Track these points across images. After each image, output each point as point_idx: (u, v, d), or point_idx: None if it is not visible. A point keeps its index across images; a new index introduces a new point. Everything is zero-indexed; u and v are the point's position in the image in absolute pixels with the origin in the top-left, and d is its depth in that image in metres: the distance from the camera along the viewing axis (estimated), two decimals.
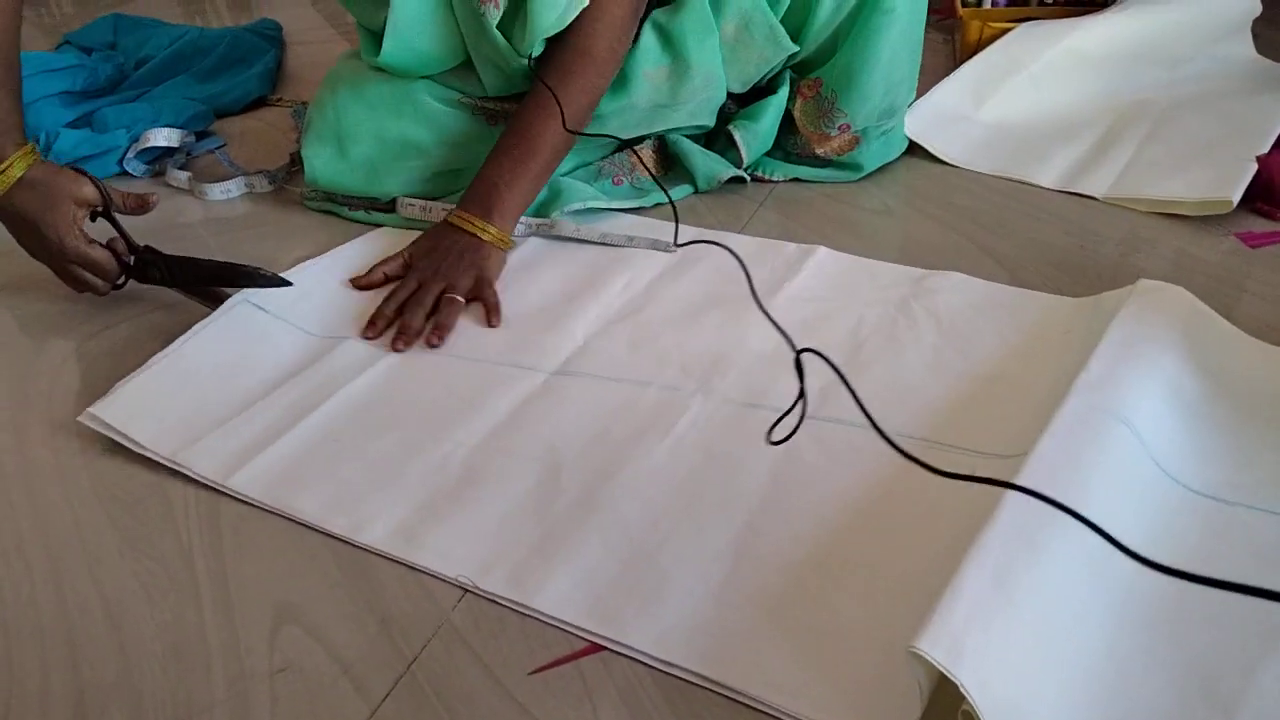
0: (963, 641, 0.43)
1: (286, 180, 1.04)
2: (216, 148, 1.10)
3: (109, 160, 1.05)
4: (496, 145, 0.86)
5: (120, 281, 0.79)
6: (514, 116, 0.87)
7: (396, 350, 0.75)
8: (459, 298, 0.79)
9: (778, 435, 0.50)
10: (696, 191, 0.99)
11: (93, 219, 0.78)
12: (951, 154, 1.04)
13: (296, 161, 1.04)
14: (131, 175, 1.06)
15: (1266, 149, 0.94)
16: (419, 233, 0.88)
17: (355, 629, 0.53)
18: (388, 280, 0.83)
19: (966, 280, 0.81)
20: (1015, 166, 1.02)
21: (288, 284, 0.79)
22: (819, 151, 1.00)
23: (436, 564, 0.57)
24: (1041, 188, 0.98)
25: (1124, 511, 0.53)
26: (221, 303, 0.79)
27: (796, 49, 0.95)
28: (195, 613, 0.55)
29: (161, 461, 0.65)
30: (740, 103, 1.02)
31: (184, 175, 1.03)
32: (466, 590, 0.55)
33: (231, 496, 0.62)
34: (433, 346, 0.75)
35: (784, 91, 0.98)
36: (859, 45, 0.92)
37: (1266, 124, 0.98)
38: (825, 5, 0.92)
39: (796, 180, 1.01)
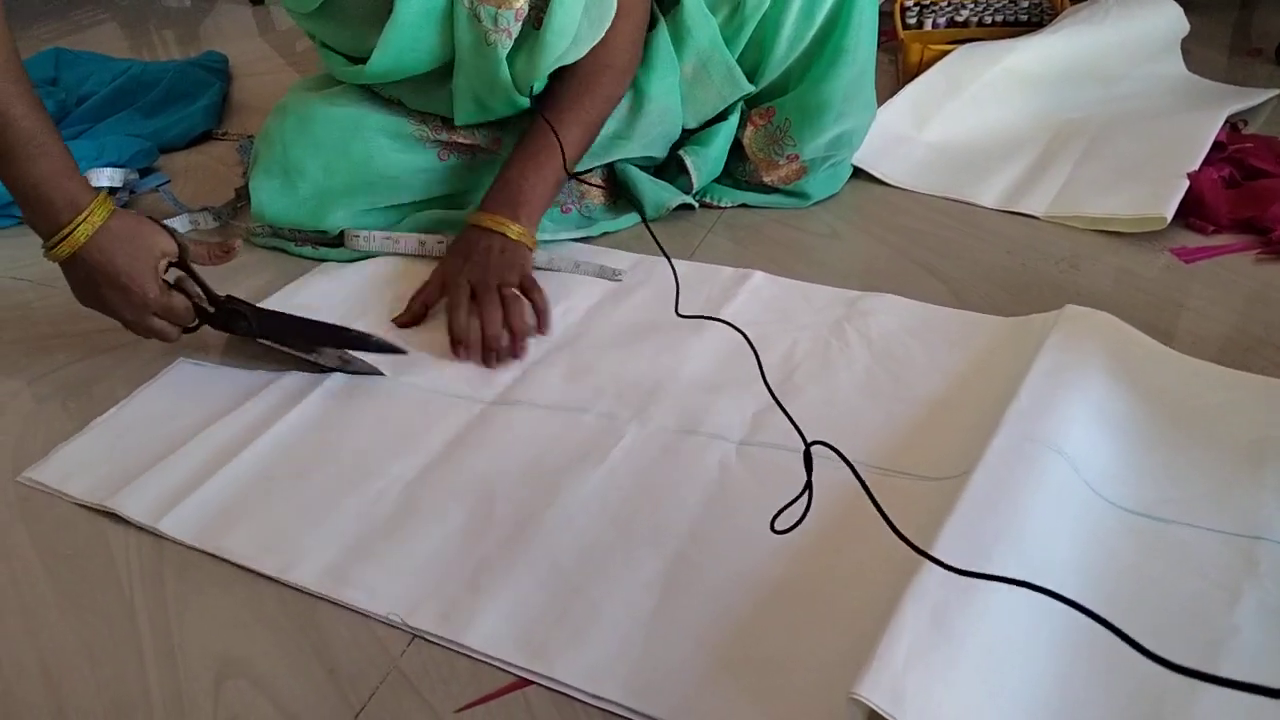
0: (903, 683, 0.43)
1: (232, 216, 1.03)
2: (160, 185, 1.09)
3: None
4: (517, 147, 0.86)
5: (193, 325, 0.77)
6: (534, 121, 0.86)
7: (490, 366, 0.75)
8: (520, 295, 0.78)
9: (782, 525, 0.50)
10: (645, 219, 1.00)
11: (165, 269, 0.74)
12: (895, 177, 1.06)
13: (242, 197, 1.03)
14: None
15: (1197, 166, 0.96)
16: (371, 265, 0.87)
17: (302, 679, 0.53)
18: (429, 309, 0.83)
19: (898, 301, 0.82)
20: (957, 187, 1.03)
21: (402, 352, 0.77)
22: (766, 179, 1.01)
23: (366, 602, 0.56)
24: (983, 207, 1.00)
25: (1060, 537, 0.54)
26: (318, 356, 0.76)
27: (753, 89, 0.96)
28: (137, 668, 0.54)
29: (96, 508, 0.64)
30: (690, 130, 1.03)
31: None
32: (415, 634, 0.55)
33: (174, 543, 0.61)
34: (518, 359, 0.76)
35: (734, 119, 0.99)
36: (817, 83, 0.94)
37: (1197, 141, 1.01)
38: (781, 45, 0.93)
39: (744, 206, 1.02)
